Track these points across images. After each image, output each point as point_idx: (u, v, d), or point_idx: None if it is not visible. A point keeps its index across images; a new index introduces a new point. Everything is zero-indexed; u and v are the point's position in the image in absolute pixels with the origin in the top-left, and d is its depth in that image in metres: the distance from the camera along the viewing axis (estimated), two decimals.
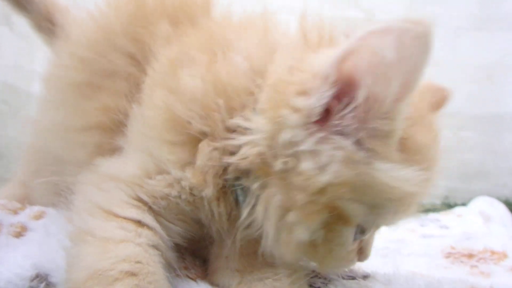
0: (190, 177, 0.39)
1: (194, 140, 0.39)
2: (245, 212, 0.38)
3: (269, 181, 0.36)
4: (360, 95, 0.32)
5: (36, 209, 0.55)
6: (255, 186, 0.37)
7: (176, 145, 0.40)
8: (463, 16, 1.89)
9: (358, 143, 0.33)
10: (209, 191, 0.39)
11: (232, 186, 0.40)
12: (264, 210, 0.36)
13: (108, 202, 0.40)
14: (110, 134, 0.49)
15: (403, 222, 1.11)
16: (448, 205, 1.50)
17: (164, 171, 0.41)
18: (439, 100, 0.49)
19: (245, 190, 0.39)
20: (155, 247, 0.38)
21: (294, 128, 0.33)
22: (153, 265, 0.36)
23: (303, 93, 0.33)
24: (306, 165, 0.33)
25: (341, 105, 0.33)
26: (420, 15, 0.31)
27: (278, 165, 0.34)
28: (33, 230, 0.51)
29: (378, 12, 1.90)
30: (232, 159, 0.37)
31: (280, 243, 0.37)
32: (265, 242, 0.38)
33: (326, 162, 0.33)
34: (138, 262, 0.35)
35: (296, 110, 0.33)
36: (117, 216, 0.39)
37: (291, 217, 0.35)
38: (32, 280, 0.43)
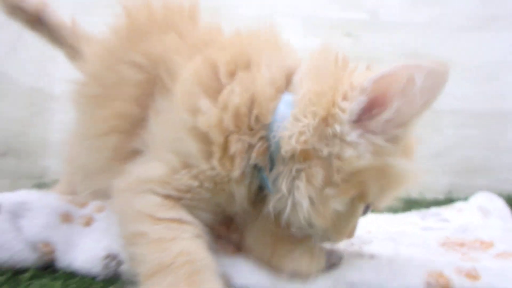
0: (217, 165, 0.47)
1: (222, 136, 0.47)
2: (274, 191, 0.47)
3: (312, 163, 0.45)
4: (391, 108, 0.42)
5: (98, 203, 0.66)
6: (294, 168, 0.45)
7: (211, 143, 0.47)
8: (465, 16, 1.92)
9: (384, 141, 0.44)
10: (236, 174, 0.47)
11: (256, 172, 0.49)
12: (305, 186, 0.45)
13: (148, 208, 0.48)
14: (124, 137, 0.57)
15: (405, 215, 1.19)
16: (451, 200, 1.57)
17: (188, 166, 0.49)
18: None
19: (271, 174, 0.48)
20: (197, 236, 0.47)
21: (343, 123, 0.44)
22: (201, 251, 0.45)
23: (346, 98, 0.44)
24: (349, 152, 0.43)
25: (374, 112, 0.43)
26: (441, 59, 0.43)
27: (325, 151, 0.44)
28: (98, 220, 0.61)
29: (382, 14, 1.96)
30: (284, 148, 0.45)
31: (315, 214, 0.45)
32: (294, 215, 0.47)
33: (362, 151, 0.43)
34: (189, 253, 0.44)
35: (343, 110, 0.44)
36: (160, 219, 0.47)
37: (329, 191, 0.44)
38: (105, 259, 0.54)
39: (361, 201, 0.47)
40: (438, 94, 0.42)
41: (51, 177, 1.87)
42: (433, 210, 1.18)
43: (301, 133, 0.45)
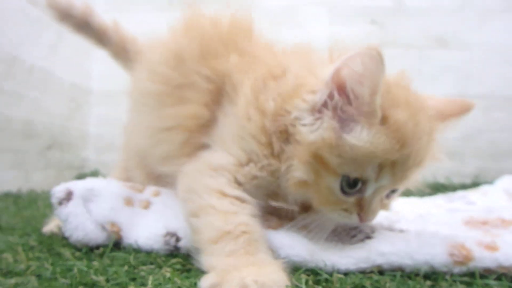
0: (273, 163, 0.58)
1: (265, 138, 0.58)
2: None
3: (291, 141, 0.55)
4: (348, 93, 0.51)
5: (153, 188, 0.75)
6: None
7: (263, 144, 0.58)
8: None
9: (340, 120, 0.52)
10: (283, 167, 0.57)
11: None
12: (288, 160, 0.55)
13: (217, 184, 0.57)
14: (191, 135, 0.66)
15: (432, 199, 1.23)
16: (477, 184, 1.58)
17: (252, 161, 0.59)
18: (457, 110, 0.63)
19: None
20: (254, 215, 0.55)
21: (301, 111, 0.54)
22: (256, 226, 0.54)
23: (313, 92, 0.54)
24: (304, 129, 0.53)
25: (334, 100, 0.52)
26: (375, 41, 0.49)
27: (291, 130, 0.55)
28: (155, 203, 0.70)
29: (407, 0, 1.95)
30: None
31: (286, 182, 0.56)
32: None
33: (315, 128, 0.53)
34: (247, 225, 0.53)
35: (305, 101, 0.54)
36: (226, 195, 0.56)
37: (293, 161, 0.55)
38: (165, 236, 0.62)
39: (330, 174, 0.53)
40: (379, 73, 0.48)
41: (90, 168, 2.01)
42: (460, 193, 1.21)
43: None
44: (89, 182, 0.70)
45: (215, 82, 0.66)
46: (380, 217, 0.71)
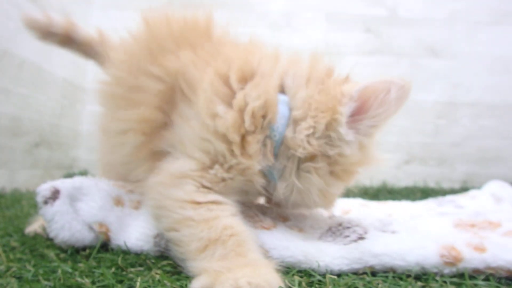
0: (243, 161, 0.56)
1: (238, 136, 0.56)
2: (282, 180, 0.58)
3: (318, 160, 0.56)
4: (372, 113, 0.55)
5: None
6: (303, 165, 0.57)
7: (233, 142, 0.56)
8: (482, 11, 1.95)
9: (365, 139, 0.57)
10: (257, 167, 0.56)
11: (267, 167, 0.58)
12: (315, 178, 0.56)
13: (186, 194, 0.54)
14: (145, 139, 0.63)
15: (423, 203, 1.24)
16: (466, 189, 1.60)
17: (218, 162, 0.56)
18: None
19: (278, 169, 0.58)
20: (234, 214, 0.54)
21: (343, 126, 0.55)
22: (240, 226, 0.52)
23: (341, 105, 0.55)
24: (348, 150, 0.56)
25: (359, 116, 0.55)
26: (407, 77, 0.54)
27: (331, 151, 0.56)
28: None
29: (402, 10, 1.99)
30: (299, 150, 0.56)
31: (321, 198, 0.59)
32: (298, 198, 0.59)
33: (354, 148, 0.56)
34: (232, 227, 0.51)
35: (342, 114, 0.55)
36: (199, 203, 0.54)
37: (331, 180, 0.58)
38: (155, 237, 0.60)
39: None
40: (404, 103, 0.54)
41: (80, 167, 1.97)
42: (449, 197, 1.23)
43: (309, 137, 0.56)
44: (77, 180, 0.67)
45: (166, 82, 0.62)
46: (373, 219, 0.72)
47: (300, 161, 0.57)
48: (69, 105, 1.91)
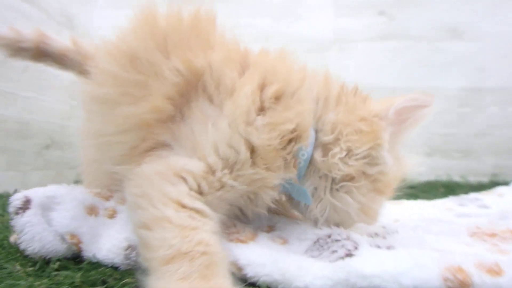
0: (264, 173, 0.54)
1: (269, 153, 0.55)
2: (314, 199, 0.60)
3: (359, 179, 0.58)
4: (405, 132, 0.61)
5: (121, 195, 0.68)
6: (341, 184, 0.58)
7: (259, 155, 0.54)
8: None
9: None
10: (277, 182, 0.56)
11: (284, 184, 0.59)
12: (356, 196, 0.58)
13: (177, 193, 0.50)
14: (144, 133, 0.59)
15: (442, 202, 1.14)
16: (496, 183, 1.48)
17: (228, 167, 0.53)
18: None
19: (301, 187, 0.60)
20: (215, 232, 0.48)
21: (386, 150, 0.58)
22: (217, 246, 0.46)
23: (383, 129, 0.59)
24: (389, 168, 0.59)
25: (396, 137, 0.60)
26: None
27: (373, 171, 0.59)
28: (121, 212, 0.64)
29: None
30: (334, 172, 0.58)
31: (363, 215, 0.60)
32: (334, 215, 0.59)
33: (393, 166, 0.60)
34: (208, 244, 0.45)
35: (384, 140, 0.58)
36: (185, 206, 0.49)
37: (374, 196, 0.60)
38: (126, 250, 0.56)
39: None
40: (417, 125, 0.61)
41: None
42: (472, 195, 1.12)
43: (344, 159, 0.57)
44: (50, 189, 0.64)
45: (184, 76, 0.60)
46: (375, 228, 0.64)
47: (334, 181, 0.59)
48: (78, 106, 1.92)
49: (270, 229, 0.58)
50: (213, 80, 0.59)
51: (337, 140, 0.58)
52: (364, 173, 0.58)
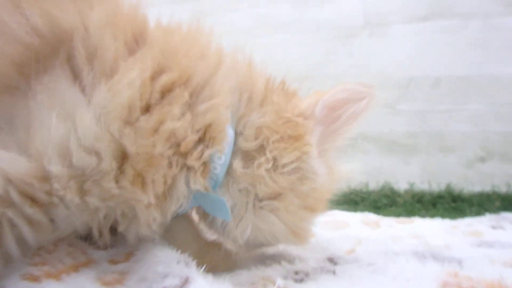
0: (128, 186, 0.42)
1: (146, 160, 0.43)
2: (233, 217, 0.51)
3: (286, 196, 0.50)
4: (337, 132, 0.52)
5: None
6: (265, 202, 0.50)
7: (121, 160, 0.42)
8: None
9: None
10: (152, 199, 0.43)
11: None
12: (283, 214, 0.50)
13: None
14: None
15: (468, 221, 0.89)
16: None
17: (76, 177, 0.40)
18: None
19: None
20: None
21: (314, 158, 0.51)
22: None
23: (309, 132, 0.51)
24: (320, 181, 0.51)
25: (326, 138, 0.52)
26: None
27: (303, 186, 0.50)
28: None
29: None
30: (258, 187, 0.49)
31: (291, 235, 0.52)
32: (255, 236, 0.51)
33: (326, 176, 0.52)
34: None
35: (312, 146, 0.50)
36: None
37: (304, 214, 0.51)
38: None
39: None
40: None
41: None
42: (509, 215, 0.85)
43: (270, 173, 0.49)
44: None
45: (44, 37, 0.44)
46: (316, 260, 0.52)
47: (257, 197, 0.50)
48: None
49: (129, 255, 0.46)
50: (86, 48, 0.43)
51: (262, 147, 0.49)
52: (292, 189, 0.50)
